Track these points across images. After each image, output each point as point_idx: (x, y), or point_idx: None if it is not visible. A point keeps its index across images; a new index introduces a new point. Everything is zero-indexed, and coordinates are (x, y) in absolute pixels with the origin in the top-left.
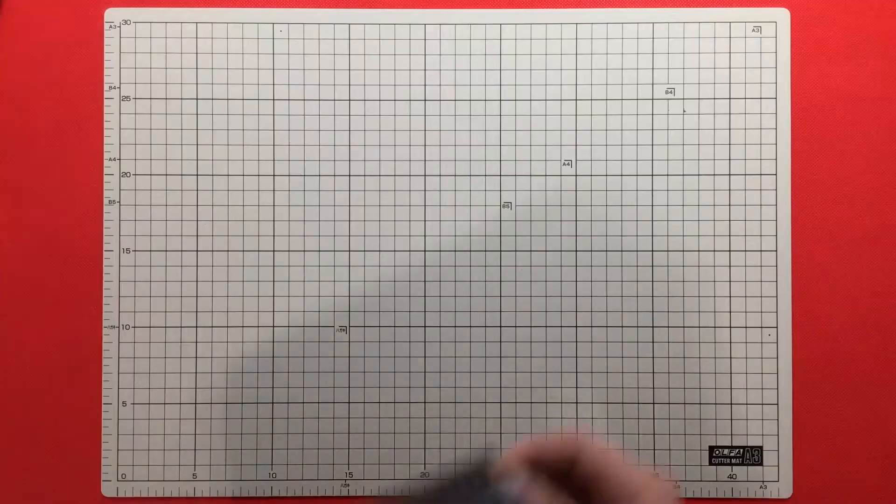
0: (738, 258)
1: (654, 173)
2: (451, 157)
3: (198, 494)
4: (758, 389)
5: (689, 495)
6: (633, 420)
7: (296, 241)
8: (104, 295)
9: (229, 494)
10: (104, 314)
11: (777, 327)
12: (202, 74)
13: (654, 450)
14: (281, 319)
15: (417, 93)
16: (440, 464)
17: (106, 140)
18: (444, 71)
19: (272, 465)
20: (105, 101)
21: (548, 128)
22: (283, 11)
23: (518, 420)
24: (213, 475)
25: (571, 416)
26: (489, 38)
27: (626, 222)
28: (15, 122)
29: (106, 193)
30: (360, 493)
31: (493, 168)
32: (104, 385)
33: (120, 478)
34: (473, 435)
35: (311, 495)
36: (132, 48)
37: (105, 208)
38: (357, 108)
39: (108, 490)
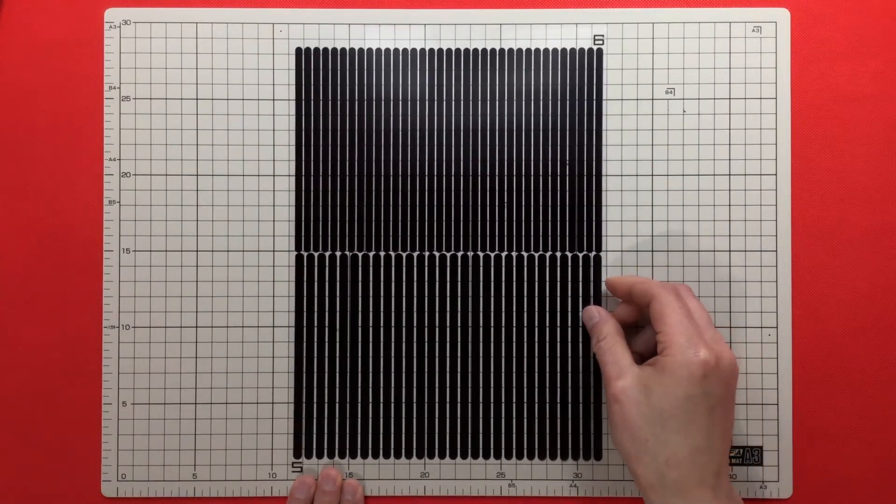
0: (738, 258)
1: (654, 173)
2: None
3: (198, 494)
4: (758, 389)
5: None
6: None
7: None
8: (104, 295)
9: (229, 494)
10: (104, 314)
11: (777, 327)
12: (202, 74)
13: None
14: (281, 319)
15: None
16: (441, 464)
17: (106, 140)
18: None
19: (272, 465)
20: (105, 101)
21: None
22: (283, 11)
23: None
24: (213, 475)
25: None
26: (489, 38)
27: (626, 222)
28: (15, 122)
29: (106, 193)
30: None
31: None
32: (104, 385)
33: (120, 478)
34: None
35: None
36: (132, 48)
37: (105, 208)
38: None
39: (108, 490)
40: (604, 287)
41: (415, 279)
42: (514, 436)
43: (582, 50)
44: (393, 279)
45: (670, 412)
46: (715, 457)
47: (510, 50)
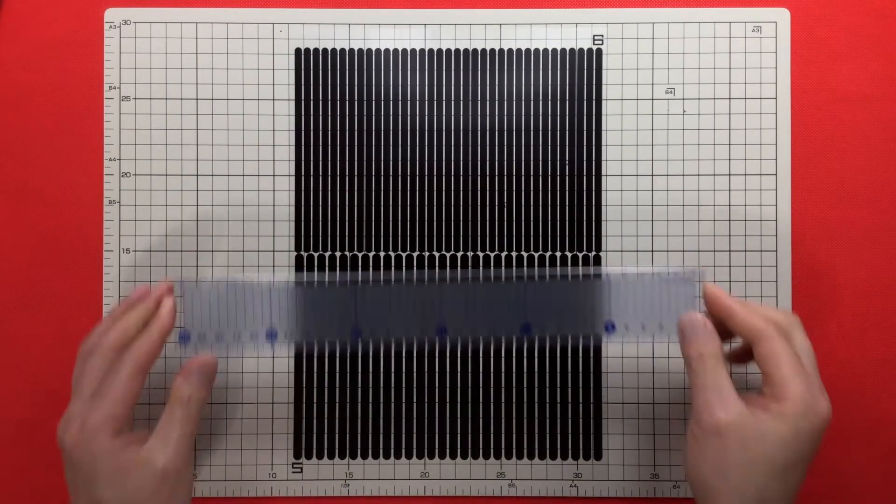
0: (738, 258)
1: (654, 173)
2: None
3: (198, 494)
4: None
5: (690, 495)
6: (633, 420)
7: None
8: (104, 295)
9: (229, 494)
10: (104, 314)
11: None
12: (202, 74)
13: (655, 450)
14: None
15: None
16: (441, 464)
17: (106, 140)
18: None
19: (272, 465)
20: (105, 101)
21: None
22: (283, 11)
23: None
24: (213, 475)
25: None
26: (489, 38)
27: (626, 222)
28: (15, 122)
29: (106, 193)
30: (359, 494)
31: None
32: None
33: None
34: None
35: (311, 495)
36: (132, 48)
37: (105, 208)
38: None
39: None
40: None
41: (414, 278)
42: (514, 436)
43: (581, 50)
44: (393, 279)
45: (782, 464)
46: (793, 500)
47: (510, 50)
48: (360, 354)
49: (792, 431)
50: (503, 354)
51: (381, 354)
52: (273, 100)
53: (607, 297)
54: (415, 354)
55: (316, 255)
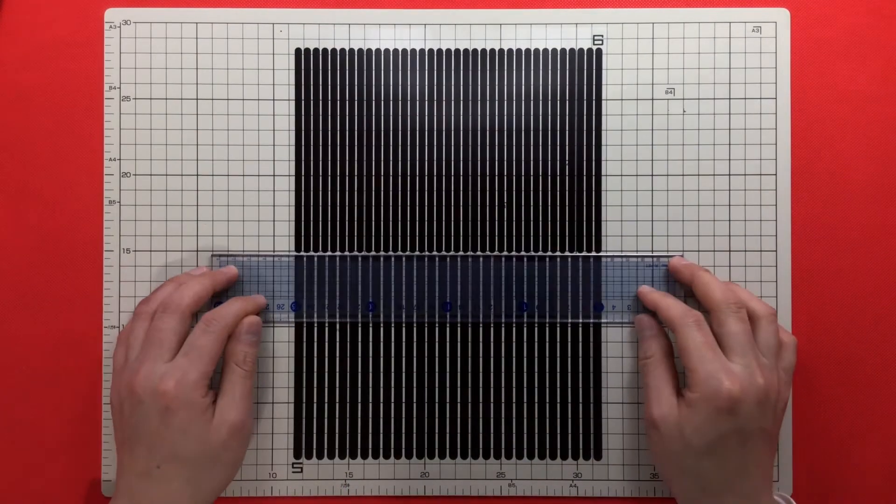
0: (738, 258)
1: (654, 173)
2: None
3: None
4: None
5: None
6: (633, 420)
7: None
8: (104, 295)
9: (229, 494)
10: (104, 314)
11: None
12: (202, 74)
13: None
14: (281, 319)
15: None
16: (441, 464)
17: (106, 140)
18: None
19: (272, 465)
20: (105, 101)
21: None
22: (283, 11)
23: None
24: None
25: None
26: (489, 38)
27: (626, 222)
28: (15, 122)
29: (106, 193)
30: (359, 494)
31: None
32: (104, 385)
33: None
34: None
35: (311, 495)
36: (132, 48)
37: (105, 208)
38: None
39: (108, 490)
40: (604, 287)
41: (414, 279)
42: (514, 436)
43: (581, 50)
44: (393, 279)
45: (703, 448)
46: (752, 480)
47: (510, 50)
48: (359, 354)
49: (701, 416)
50: (503, 354)
51: (381, 354)
52: (273, 100)
53: (597, 279)
54: (415, 354)
55: (316, 255)
